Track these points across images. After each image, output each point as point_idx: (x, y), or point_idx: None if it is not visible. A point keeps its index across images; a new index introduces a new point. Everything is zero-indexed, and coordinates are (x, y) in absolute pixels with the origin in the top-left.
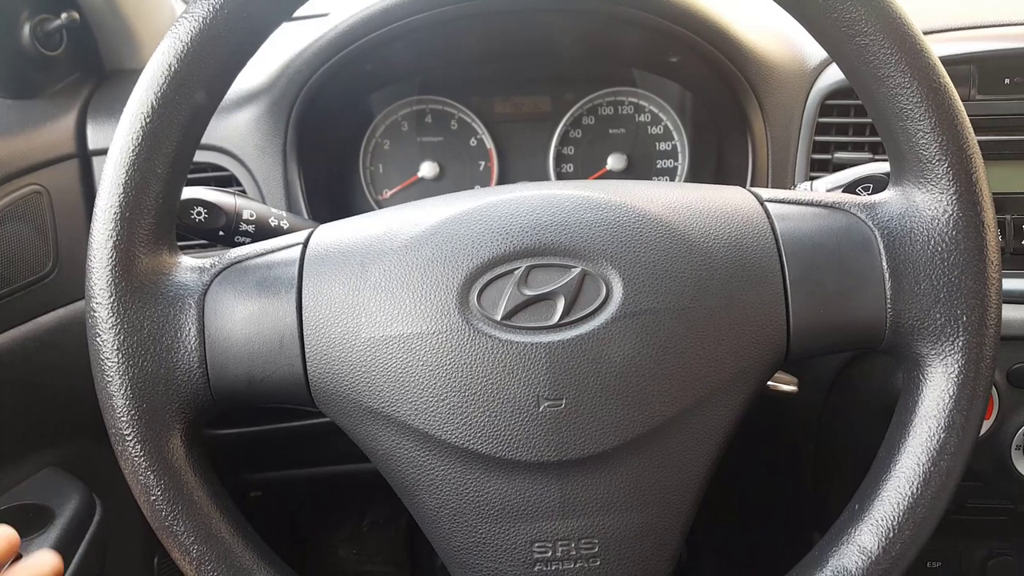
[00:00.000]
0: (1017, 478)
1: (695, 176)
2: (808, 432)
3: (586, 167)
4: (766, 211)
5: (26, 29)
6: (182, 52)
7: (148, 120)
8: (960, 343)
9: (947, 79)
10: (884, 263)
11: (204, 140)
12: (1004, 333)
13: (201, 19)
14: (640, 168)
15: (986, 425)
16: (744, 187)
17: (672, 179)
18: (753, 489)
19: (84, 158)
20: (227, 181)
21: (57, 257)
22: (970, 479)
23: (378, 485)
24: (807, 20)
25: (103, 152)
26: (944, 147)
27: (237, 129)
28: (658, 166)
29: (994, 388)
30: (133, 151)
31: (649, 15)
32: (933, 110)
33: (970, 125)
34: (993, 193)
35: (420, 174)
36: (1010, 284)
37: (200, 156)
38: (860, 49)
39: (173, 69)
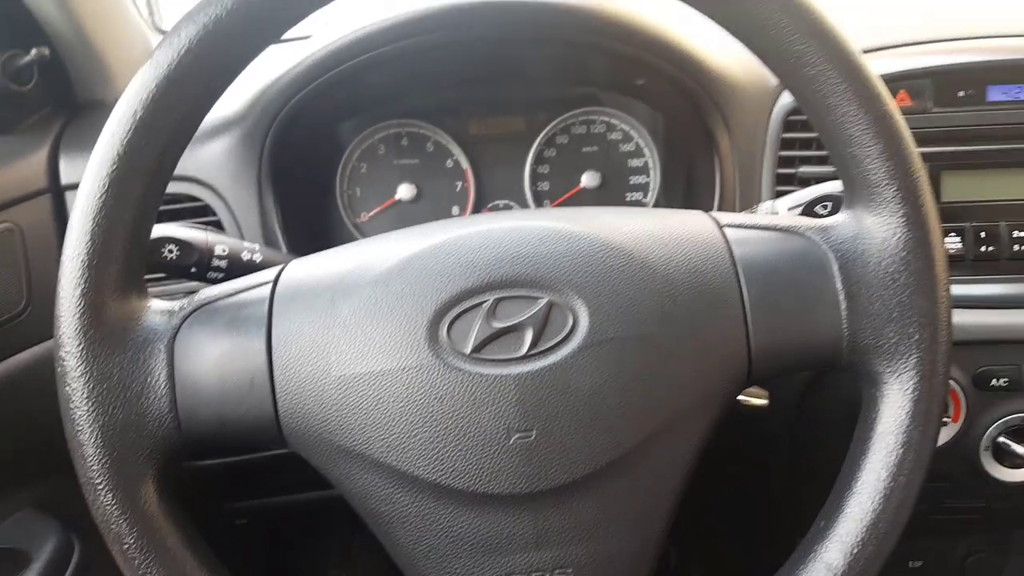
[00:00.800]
0: (987, 479)
1: (667, 191)
2: (781, 444)
3: (561, 185)
4: (724, 236)
5: None
6: (147, 99)
7: (114, 168)
8: (913, 360)
9: (893, 106)
10: (839, 284)
11: (178, 171)
12: (968, 337)
13: (167, 65)
14: (614, 185)
15: (954, 429)
16: (706, 211)
17: (645, 194)
18: (737, 502)
19: (57, 193)
20: (201, 211)
21: (30, 295)
22: (943, 481)
23: None
24: (759, 51)
25: (76, 187)
26: (891, 172)
27: (211, 159)
28: (631, 182)
29: (961, 392)
30: (99, 198)
31: (614, 43)
32: (880, 137)
33: (916, 151)
34: (952, 202)
35: (397, 196)
36: (973, 290)
37: (174, 187)
38: (809, 79)
39: (138, 116)
